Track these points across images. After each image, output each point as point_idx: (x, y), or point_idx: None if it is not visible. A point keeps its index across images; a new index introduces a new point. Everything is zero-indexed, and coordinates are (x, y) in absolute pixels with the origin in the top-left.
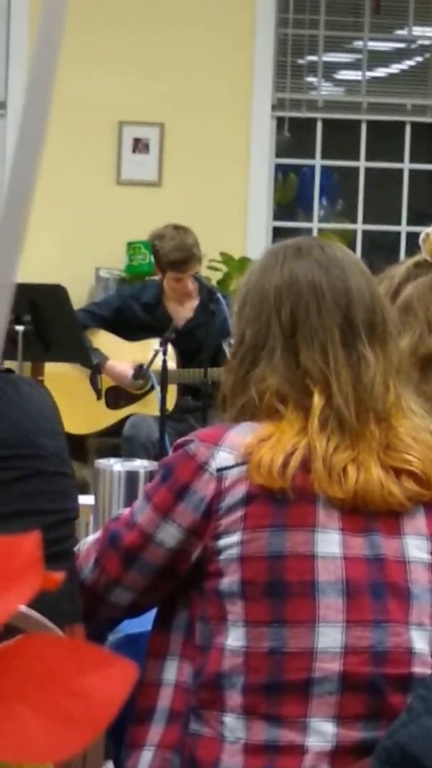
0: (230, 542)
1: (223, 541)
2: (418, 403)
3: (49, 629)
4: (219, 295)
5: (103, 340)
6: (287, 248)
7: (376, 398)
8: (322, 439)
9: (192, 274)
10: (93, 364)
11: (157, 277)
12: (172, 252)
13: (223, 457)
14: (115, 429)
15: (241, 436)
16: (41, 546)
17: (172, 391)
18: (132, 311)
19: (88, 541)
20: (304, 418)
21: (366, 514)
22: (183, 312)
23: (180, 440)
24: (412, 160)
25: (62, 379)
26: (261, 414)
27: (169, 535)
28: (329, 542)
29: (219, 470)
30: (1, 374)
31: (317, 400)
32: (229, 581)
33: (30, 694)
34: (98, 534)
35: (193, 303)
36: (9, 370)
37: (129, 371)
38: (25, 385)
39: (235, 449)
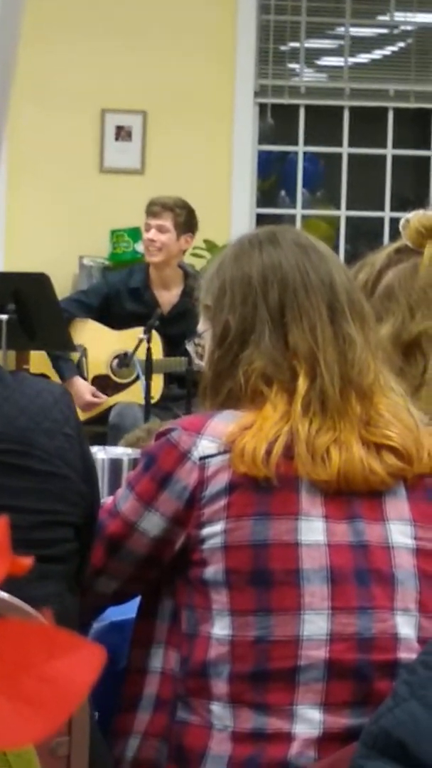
0: (214, 531)
1: (206, 530)
2: (398, 383)
3: (23, 613)
4: None
5: (91, 330)
6: (261, 235)
7: (361, 375)
8: (304, 422)
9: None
10: (77, 350)
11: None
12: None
13: (205, 446)
14: (101, 417)
15: (223, 423)
16: (9, 532)
17: (158, 379)
18: (120, 298)
19: None
20: (287, 401)
21: (349, 498)
22: (169, 297)
23: (162, 428)
24: (395, 145)
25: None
26: (245, 399)
27: (152, 523)
28: (313, 530)
29: (201, 459)
30: (13, 372)
31: (302, 382)
32: (214, 570)
33: (0, 679)
34: None
35: (179, 289)
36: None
37: (87, 395)
38: (35, 383)
39: (217, 437)
